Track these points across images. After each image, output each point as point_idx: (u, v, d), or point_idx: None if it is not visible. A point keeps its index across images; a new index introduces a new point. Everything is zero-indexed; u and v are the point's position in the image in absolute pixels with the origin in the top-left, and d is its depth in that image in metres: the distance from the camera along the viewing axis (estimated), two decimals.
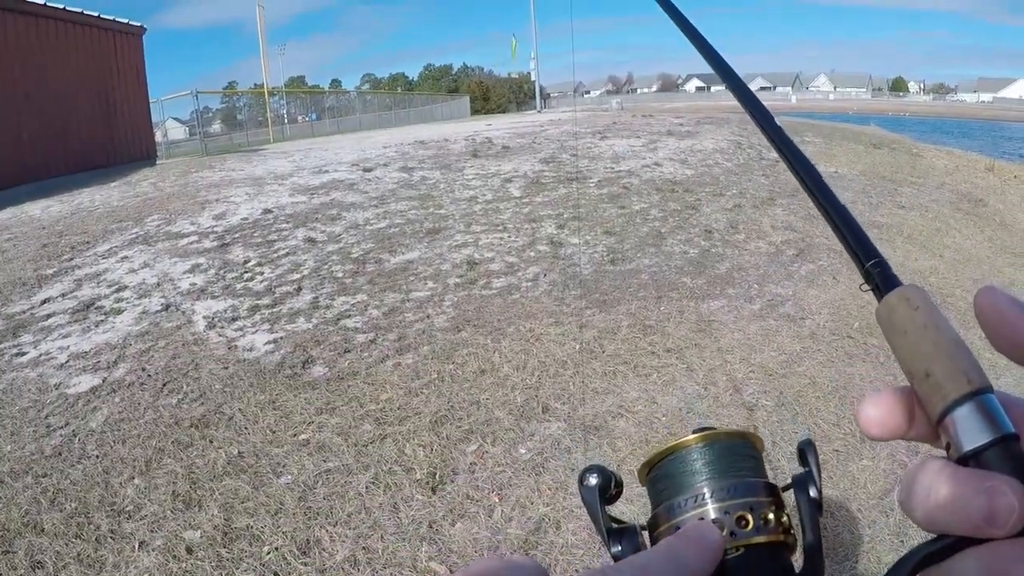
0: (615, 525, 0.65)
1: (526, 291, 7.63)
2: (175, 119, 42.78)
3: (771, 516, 0.61)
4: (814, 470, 0.65)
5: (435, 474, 4.51)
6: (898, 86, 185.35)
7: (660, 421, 5.20)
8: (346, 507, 4.20)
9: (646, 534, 0.66)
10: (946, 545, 0.46)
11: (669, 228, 9.97)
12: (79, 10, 18.18)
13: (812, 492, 0.63)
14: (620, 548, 0.63)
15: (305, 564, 3.75)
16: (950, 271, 9.14)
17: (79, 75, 18.12)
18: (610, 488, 0.68)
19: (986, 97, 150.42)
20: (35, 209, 12.80)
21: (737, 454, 0.66)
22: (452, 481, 4.48)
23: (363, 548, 3.87)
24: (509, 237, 9.49)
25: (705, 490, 0.63)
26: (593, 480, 0.67)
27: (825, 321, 7.04)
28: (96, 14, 18.73)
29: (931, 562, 0.47)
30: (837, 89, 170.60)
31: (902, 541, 4.00)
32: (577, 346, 6.31)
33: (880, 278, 0.58)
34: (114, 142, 19.09)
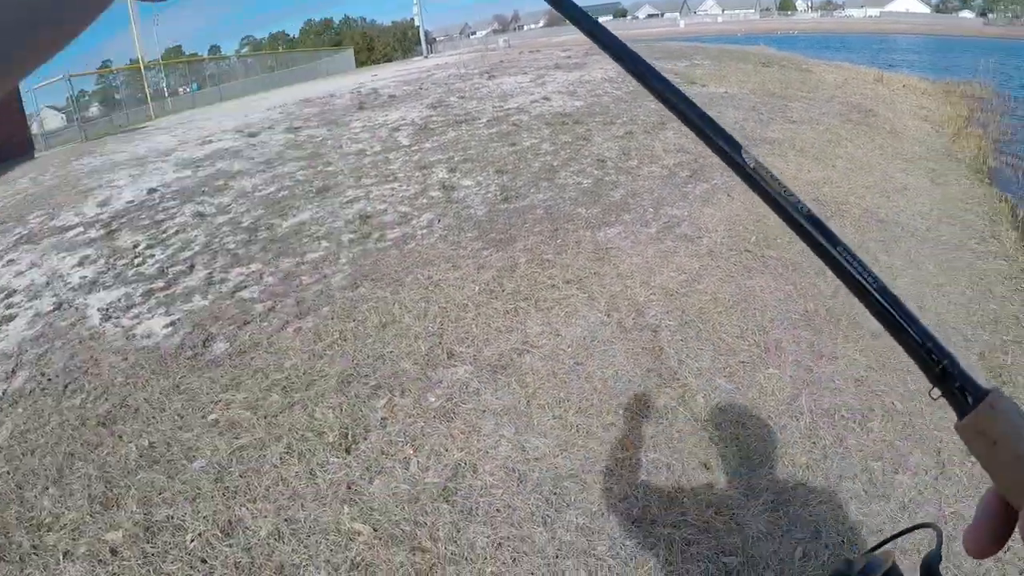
0: None
1: (421, 239, 7.62)
2: (51, 107, 41.47)
3: None
4: None
5: (347, 434, 4.52)
6: (786, 5, 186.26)
7: (566, 352, 5.27)
8: (263, 481, 4.19)
9: None
10: None
11: (561, 161, 10.01)
12: None
13: None
14: None
15: (230, 546, 3.74)
16: (843, 180, 9.34)
17: None
18: None
19: (873, 12, 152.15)
20: None
21: None
22: (365, 439, 4.49)
23: (285, 520, 3.87)
24: (400, 187, 9.45)
25: None
26: None
27: (722, 238, 7.16)
28: None
29: None
30: (725, 12, 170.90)
31: (813, 443, 4.14)
32: (477, 288, 6.34)
33: (952, 382, 0.57)
34: None
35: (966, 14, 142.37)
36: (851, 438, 4.18)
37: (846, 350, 5.13)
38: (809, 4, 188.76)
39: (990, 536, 0.57)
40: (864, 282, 0.62)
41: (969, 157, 12.25)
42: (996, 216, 8.68)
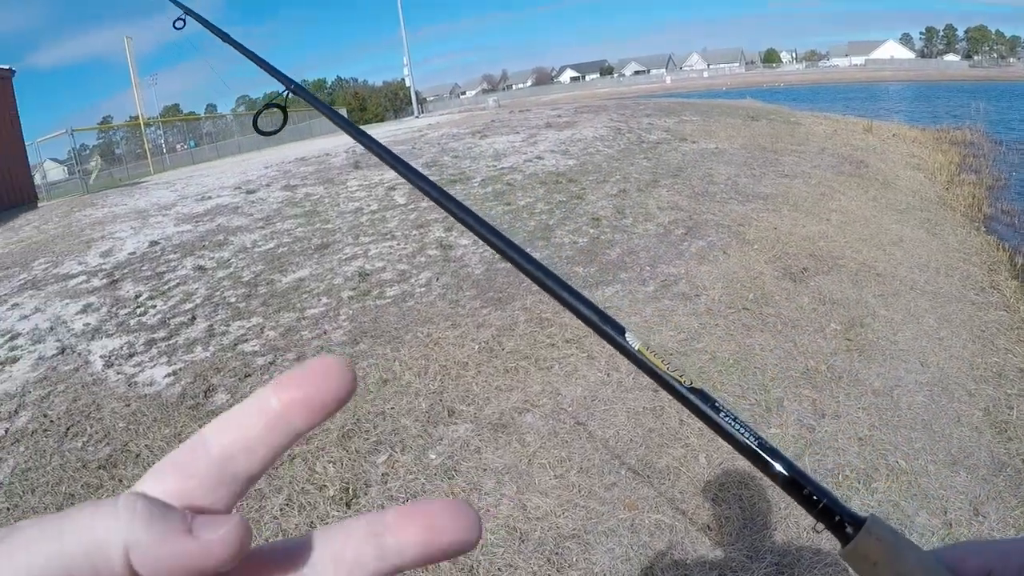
0: None
1: (420, 297, 7.65)
2: (53, 159, 41.76)
3: None
4: None
5: (348, 488, 4.52)
6: (771, 58, 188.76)
7: (566, 411, 5.27)
8: (263, 532, 4.18)
9: None
10: None
11: (556, 220, 10.07)
12: None
13: None
14: None
15: None
16: (838, 234, 9.39)
17: None
18: None
19: (858, 60, 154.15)
20: None
21: None
22: (366, 494, 4.50)
23: None
24: (398, 245, 9.49)
25: None
26: None
27: (720, 295, 7.19)
28: None
29: None
30: (711, 66, 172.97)
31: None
32: (476, 347, 6.36)
33: (832, 516, 0.61)
34: None
35: (951, 57, 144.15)
36: (855, 499, 4.18)
37: (848, 408, 5.13)
38: (793, 56, 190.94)
39: None
40: (753, 443, 0.66)
41: (964, 205, 12.33)
42: (995, 265, 8.74)
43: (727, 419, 0.66)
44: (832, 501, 0.61)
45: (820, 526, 0.61)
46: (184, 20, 2.11)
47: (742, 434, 0.66)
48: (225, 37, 1.95)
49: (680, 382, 0.70)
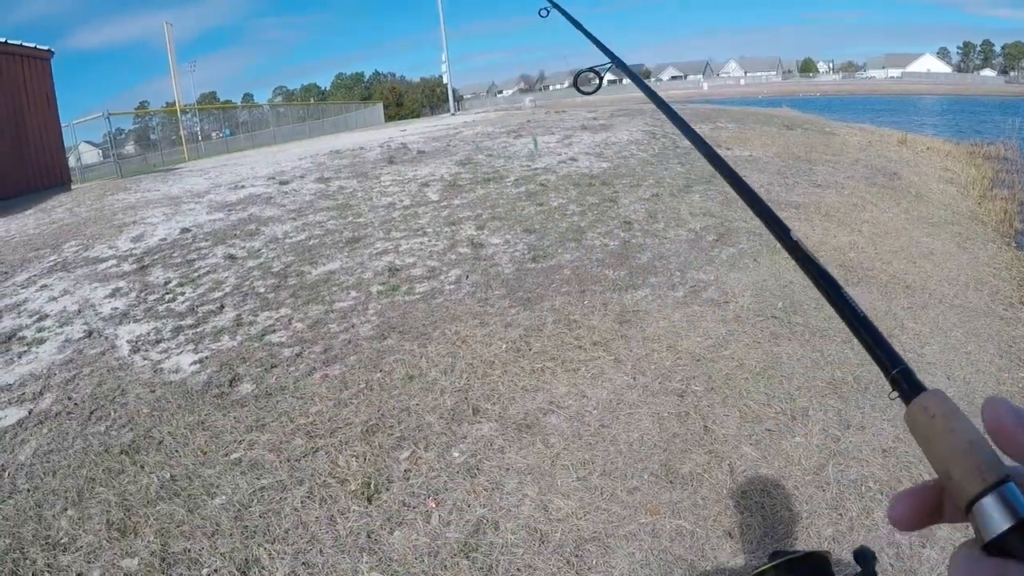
0: None
1: (449, 294, 7.65)
2: (88, 142, 41.96)
3: None
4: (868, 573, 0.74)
5: (370, 484, 4.52)
6: (807, 67, 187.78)
7: (591, 414, 5.26)
8: (283, 523, 4.19)
9: None
10: None
11: (588, 222, 10.05)
12: None
13: None
14: None
15: None
16: (869, 245, 9.33)
17: None
18: None
19: (894, 73, 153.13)
20: None
21: (808, 570, 0.77)
22: (387, 489, 4.49)
23: (303, 564, 3.87)
24: (429, 241, 9.50)
25: None
26: None
27: (749, 303, 7.16)
28: (3, 40, 18.26)
29: None
30: (748, 74, 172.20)
31: (840, 514, 4.10)
32: (504, 346, 6.35)
33: (903, 385, 0.66)
34: (27, 170, 18.57)
35: (987, 73, 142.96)
36: (878, 510, 4.14)
37: (873, 420, 5.08)
38: (830, 66, 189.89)
39: (915, 510, 0.62)
40: (857, 313, 0.74)
41: (995, 220, 12.19)
42: None
43: (841, 295, 0.79)
44: (905, 372, 0.67)
45: (894, 394, 0.67)
46: (548, 10, 2.39)
47: (851, 307, 0.77)
48: (578, 25, 2.16)
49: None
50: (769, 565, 0.73)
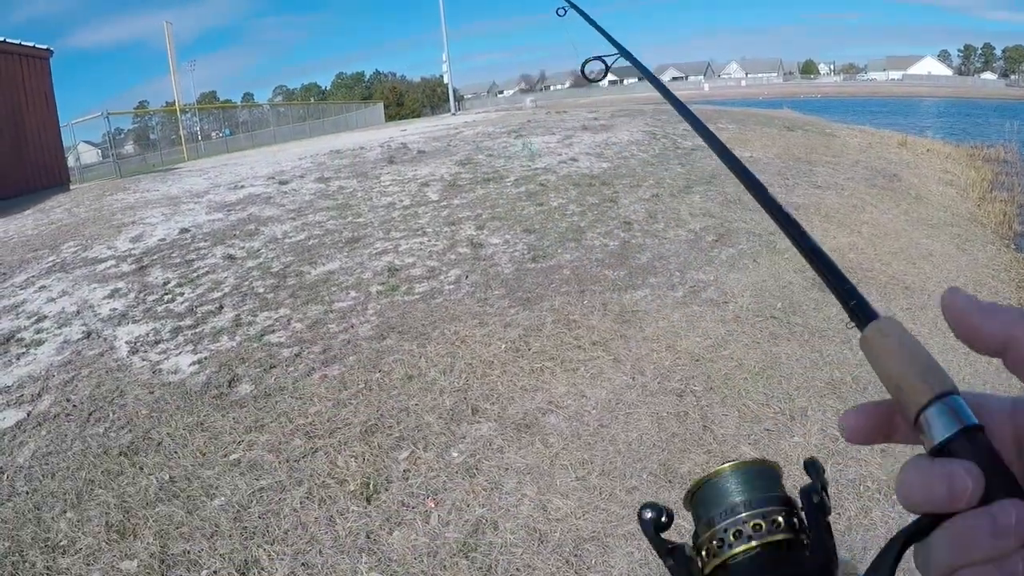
0: (669, 546, 0.78)
1: (449, 294, 7.65)
2: (87, 142, 42.03)
3: (781, 520, 0.72)
4: (817, 482, 0.75)
5: (369, 484, 4.53)
6: (808, 69, 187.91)
7: (590, 414, 5.27)
8: (282, 524, 4.20)
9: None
10: (924, 524, 0.55)
11: (588, 222, 10.05)
12: None
13: (815, 499, 0.72)
14: (672, 562, 0.77)
15: None
16: (868, 246, 9.33)
17: None
18: (662, 518, 0.79)
19: (895, 75, 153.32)
20: None
21: (757, 477, 0.77)
22: (386, 490, 4.50)
23: (302, 564, 3.88)
24: (429, 241, 9.49)
25: (733, 504, 0.74)
26: (648, 515, 0.80)
27: (748, 303, 7.16)
28: (1, 39, 18.22)
29: (915, 539, 0.56)
30: (749, 75, 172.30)
31: (838, 513, 4.11)
32: (503, 346, 6.35)
33: (860, 314, 0.67)
34: (25, 170, 18.54)
35: (988, 76, 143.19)
36: (876, 510, 4.15)
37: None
38: (831, 68, 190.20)
39: (866, 422, 0.64)
40: (817, 250, 0.78)
41: (994, 222, 12.17)
42: (1023, 283, 8.66)
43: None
44: (861, 303, 0.69)
45: (851, 324, 0.69)
46: (565, 9, 2.39)
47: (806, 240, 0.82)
48: (595, 25, 2.16)
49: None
50: (721, 467, 0.73)
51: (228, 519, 4.26)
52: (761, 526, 0.71)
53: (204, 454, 4.98)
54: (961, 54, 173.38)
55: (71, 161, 24.83)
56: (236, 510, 4.34)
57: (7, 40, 18.52)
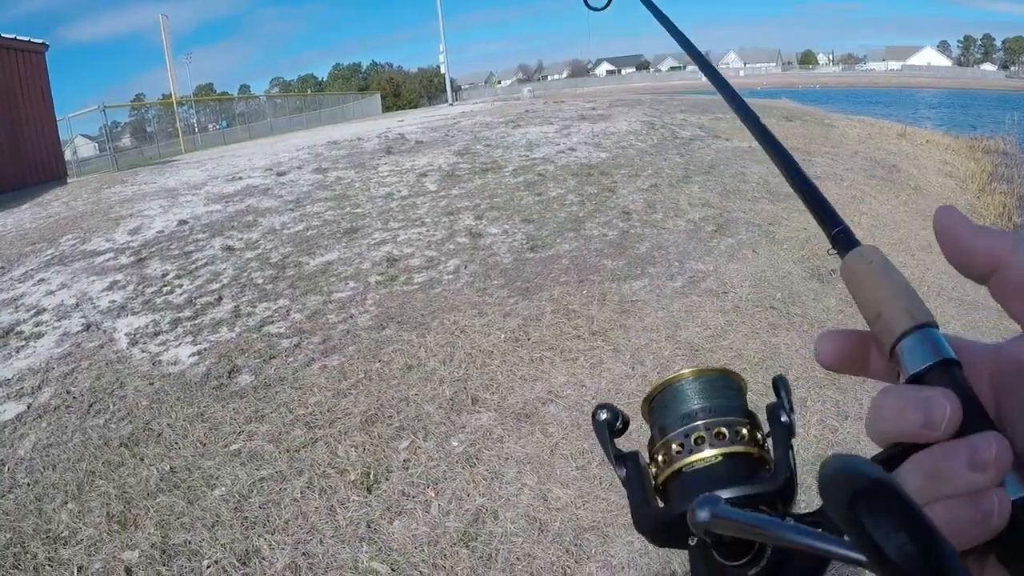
0: (622, 453, 0.74)
1: (448, 284, 7.65)
2: (84, 136, 41.94)
3: (745, 432, 0.70)
4: (784, 400, 0.74)
5: (369, 473, 4.53)
6: (807, 59, 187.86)
7: (590, 404, 5.25)
8: (283, 514, 4.20)
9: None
10: (895, 453, 0.53)
11: (587, 212, 10.04)
12: None
13: (783, 417, 0.71)
14: (625, 471, 0.72)
15: (246, 575, 3.75)
16: (867, 237, 9.21)
17: None
18: (617, 423, 0.77)
19: (895, 65, 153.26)
20: None
21: (719, 386, 0.75)
22: (387, 479, 4.50)
23: (303, 554, 3.88)
24: (427, 231, 9.49)
25: (692, 411, 0.73)
26: (603, 416, 0.76)
27: (747, 294, 7.16)
28: None
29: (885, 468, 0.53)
30: (747, 65, 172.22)
31: None
32: (502, 336, 6.35)
33: (843, 242, 0.66)
34: (22, 164, 18.53)
35: (988, 67, 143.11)
36: None
37: None
38: (830, 58, 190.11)
39: (840, 347, 0.62)
40: (806, 179, 0.78)
41: (994, 214, 12.18)
42: None
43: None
44: (844, 231, 0.68)
45: (832, 251, 0.67)
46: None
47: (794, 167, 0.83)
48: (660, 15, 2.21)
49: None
50: (682, 371, 0.73)
51: (229, 509, 4.26)
52: (724, 434, 0.69)
53: (204, 444, 4.98)
54: (961, 45, 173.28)
55: (68, 155, 24.73)
56: (237, 500, 4.34)
57: (2, 35, 18.48)
